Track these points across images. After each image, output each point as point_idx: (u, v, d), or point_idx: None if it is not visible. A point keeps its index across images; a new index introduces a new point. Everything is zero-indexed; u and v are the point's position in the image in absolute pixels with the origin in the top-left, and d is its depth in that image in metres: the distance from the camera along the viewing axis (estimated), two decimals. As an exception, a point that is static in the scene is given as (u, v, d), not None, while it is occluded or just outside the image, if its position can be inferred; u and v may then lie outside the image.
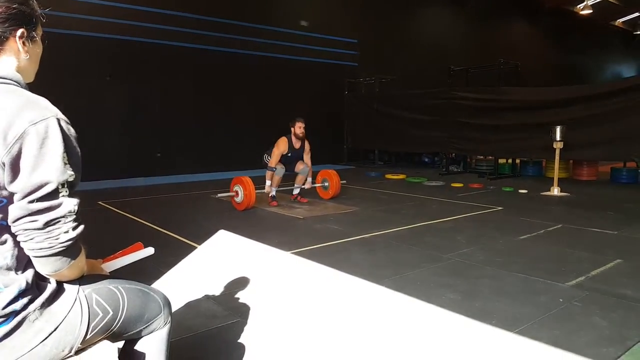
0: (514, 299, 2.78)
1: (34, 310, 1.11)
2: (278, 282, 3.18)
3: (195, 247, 4.07)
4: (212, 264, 3.65)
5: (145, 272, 3.07)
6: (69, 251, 1.10)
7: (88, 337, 1.19)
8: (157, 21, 9.56)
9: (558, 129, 7.06)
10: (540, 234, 4.47)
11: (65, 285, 1.18)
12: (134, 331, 1.33)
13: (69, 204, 1.08)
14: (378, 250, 3.94)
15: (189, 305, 2.75)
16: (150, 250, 1.57)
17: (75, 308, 1.17)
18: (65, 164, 1.06)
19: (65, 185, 1.07)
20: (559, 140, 7.08)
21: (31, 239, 1.05)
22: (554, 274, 3.23)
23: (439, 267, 3.44)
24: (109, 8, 8.96)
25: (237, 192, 5.84)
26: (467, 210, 5.70)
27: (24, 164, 1.03)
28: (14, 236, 1.08)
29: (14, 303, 1.08)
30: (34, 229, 1.04)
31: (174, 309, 1.67)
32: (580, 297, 2.80)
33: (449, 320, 2.51)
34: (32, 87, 1.21)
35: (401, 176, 9.38)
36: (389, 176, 9.50)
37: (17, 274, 1.11)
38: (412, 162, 12.45)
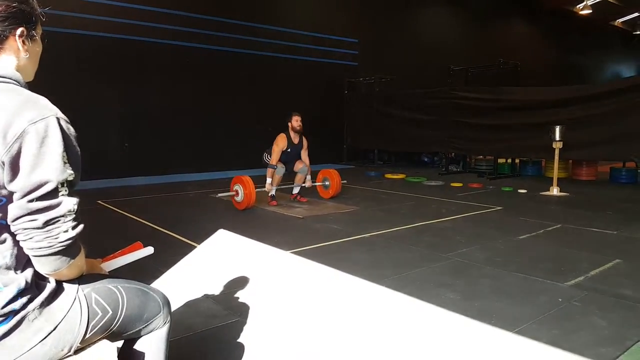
0: (513, 299, 2.79)
1: (33, 310, 1.11)
2: (278, 282, 3.18)
3: (195, 247, 4.07)
4: (211, 264, 3.65)
5: (144, 272, 3.07)
6: (69, 250, 1.10)
7: (87, 336, 1.19)
8: (158, 20, 9.55)
9: (557, 129, 7.06)
10: (539, 234, 4.47)
11: (65, 285, 1.18)
12: (134, 330, 1.33)
13: (69, 203, 1.08)
14: (378, 250, 3.94)
15: (188, 305, 2.74)
16: (149, 250, 1.57)
17: (75, 307, 1.16)
18: (64, 163, 1.06)
19: (65, 185, 1.07)
20: (559, 140, 7.08)
21: (30, 238, 1.05)
22: (553, 273, 3.23)
23: (439, 266, 3.44)
24: (109, 7, 8.95)
25: (237, 192, 5.84)
26: (466, 210, 5.70)
27: (23, 163, 1.02)
28: (13, 235, 1.08)
29: (13, 302, 1.08)
30: (34, 228, 1.04)
31: (173, 308, 1.67)
32: (580, 297, 2.80)
33: (448, 320, 2.51)
34: (32, 86, 1.21)
35: (401, 176, 9.38)
36: (388, 176, 9.50)
37: (16, 273, 1.11)
38: (411, 161, 12.43)
